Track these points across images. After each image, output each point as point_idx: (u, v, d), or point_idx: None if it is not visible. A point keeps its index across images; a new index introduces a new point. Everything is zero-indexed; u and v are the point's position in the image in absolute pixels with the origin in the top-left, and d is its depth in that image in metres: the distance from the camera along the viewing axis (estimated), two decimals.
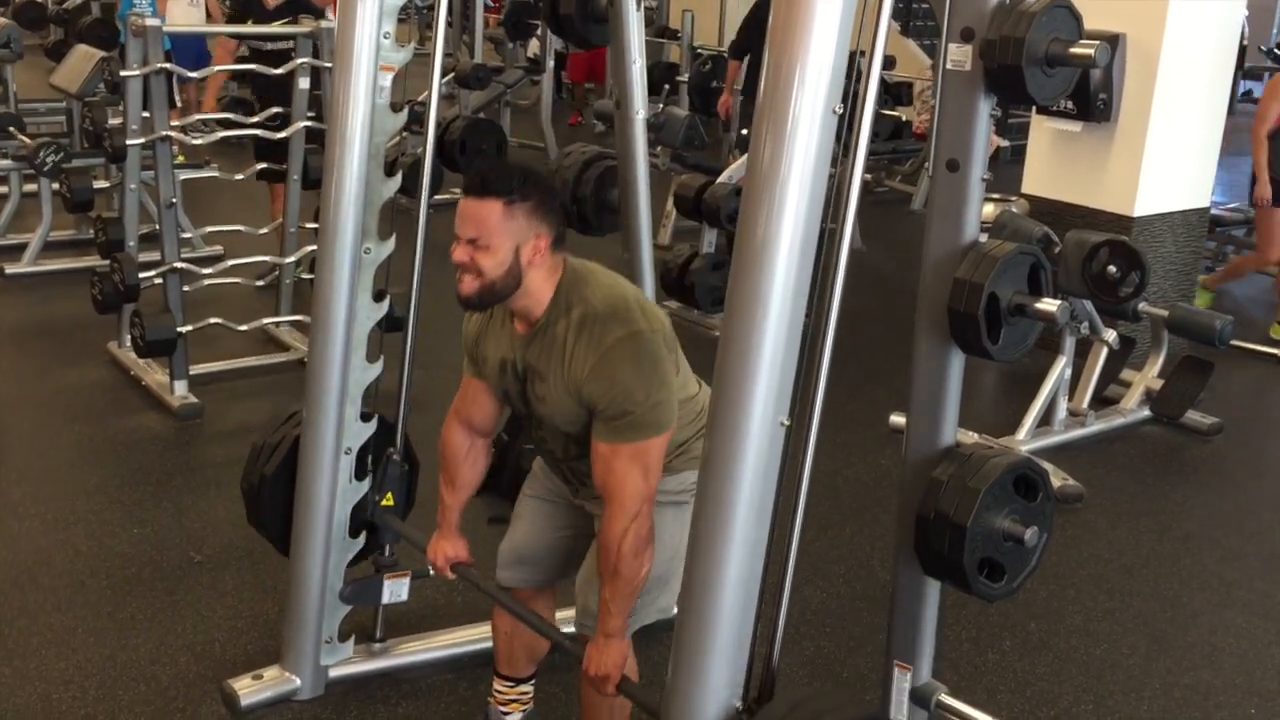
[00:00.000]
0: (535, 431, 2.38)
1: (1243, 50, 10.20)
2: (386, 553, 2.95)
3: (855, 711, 1.84)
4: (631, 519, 2.14)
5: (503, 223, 2.15)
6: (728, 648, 1.90)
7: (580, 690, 2.50)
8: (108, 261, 4.75)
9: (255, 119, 5.22)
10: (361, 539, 2.87)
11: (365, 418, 2.81)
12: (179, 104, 8.48)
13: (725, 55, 9.15)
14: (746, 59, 7.00)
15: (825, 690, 1.88)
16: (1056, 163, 5.59)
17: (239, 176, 5.14)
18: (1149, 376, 4.97)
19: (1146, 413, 4.93)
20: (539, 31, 9.92)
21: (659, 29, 11.25)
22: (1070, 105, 5.29)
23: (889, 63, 8.71)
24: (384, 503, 2.87)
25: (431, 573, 3.11)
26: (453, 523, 2.55)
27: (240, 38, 5.73)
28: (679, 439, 2.29)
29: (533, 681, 2.70)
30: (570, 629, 2.53)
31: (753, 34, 6.98)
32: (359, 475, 2.83)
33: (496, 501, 2.98)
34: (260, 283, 5.22)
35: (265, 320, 5.11)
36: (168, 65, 4.49)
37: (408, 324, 2.84)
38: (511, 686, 2.67)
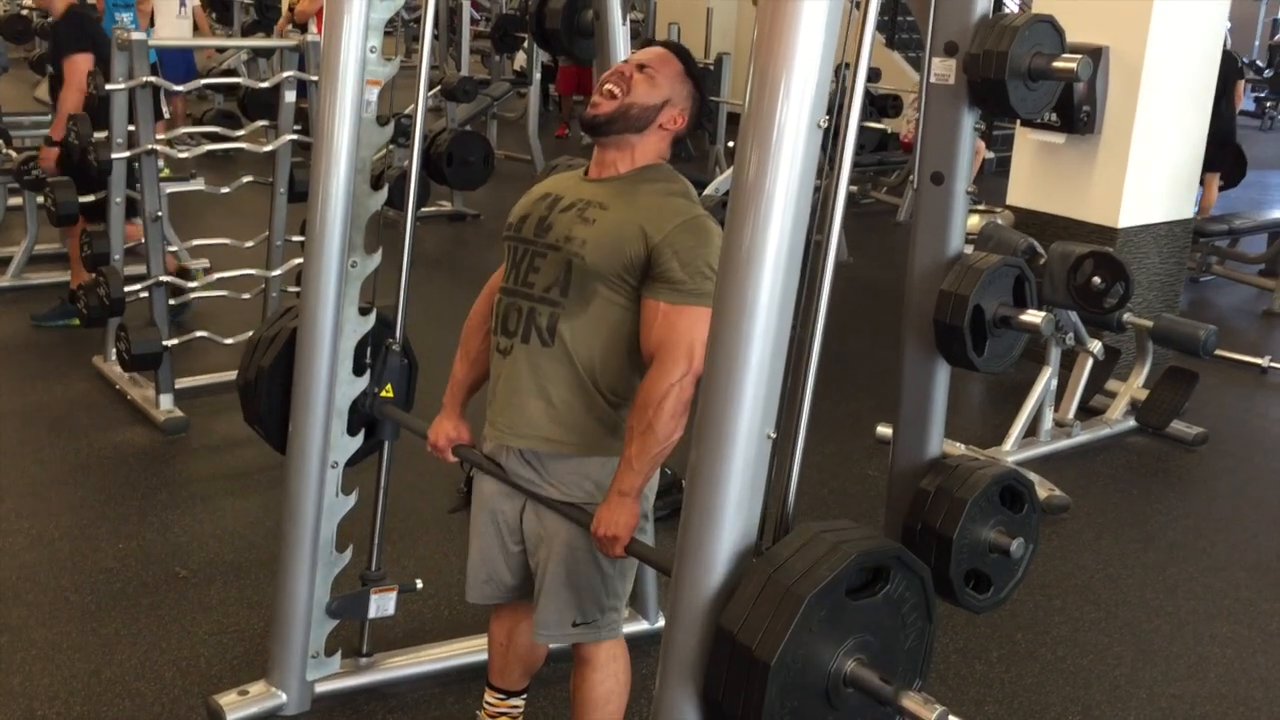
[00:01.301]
0: (523, 262, 2.27)
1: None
2: (374, 566, 2.94)
3: (874, 545, 1.82)
4: (679, 377, 2.11)
5: (674, 76, 2.28)
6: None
7: (572, 700, 2.50)
8: (93, 275, 4.73)
9: (241, 132, 5.23)
10: (348, 553, 2.86)
11: (364, 312, 2.76)
12: (166, 115, 8.46)
13: (711, 67, 9.20)
14: None
15: (844, 522, 1.85)
16: (1041, 174, 5.62)
17: (225, 190, 5.13)
18: (1134, 387, 5.00)
19: (1132, 423, 4.95)
20: (525, 44, 9.94)
21: (645, 41, 11.28)
22: (1054, 117, 5.32)
23: (875, 75, 8.76)
24: (383, 394, 2.82)
25: (418, 588, 3.12)
26: (458, 401, 2.51)
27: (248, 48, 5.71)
28: None
29: (524, 696, 2.68)
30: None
31: None
32: (357, 371, 2.79)
33: None
34: (246, 296, 5.20)
35: (252, 333, 5.09)
36: (153, 79, 4.48)
37: (396, 319, 2.82)
38: (503, 699, 2.66)
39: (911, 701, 1.76)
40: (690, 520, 1.86)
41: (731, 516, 1.83)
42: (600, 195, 2.25)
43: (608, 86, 2.25)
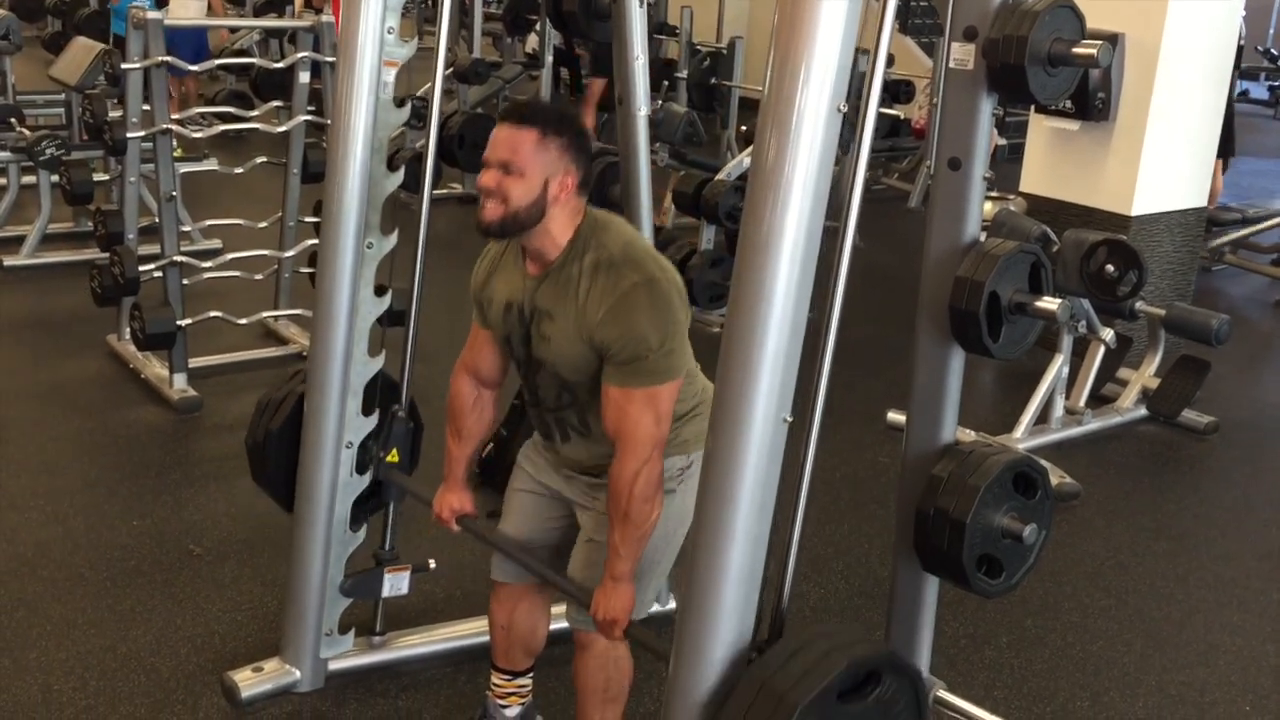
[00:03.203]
0: (530, 379, 2.36)
1: (1239, 50, 10.22)
2: (388, 545, 2.96)
3: (865, 650, 1.84)
4: (643, 462, 2.14)
5: (536, 152, 2.17)
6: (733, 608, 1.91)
7: (575, 685, 2.51)
8: (107, 254, 4.75)
9: (255, 113, 5.24)
10: (362, 532, 2.88)
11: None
12: (173, 95, 8.45)
13: (724, 51, 9.14)
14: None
15: (835, 626, 1.90)
16: (1054, 161, 5.60)
17: (238, 170, 5.14)
18: (1146, 375, 4.99)
19: (1143, 411, 4.95)
20: (537, 27, 9.91)
21: (657, 25, 11.23)
22: (1069, 104, 5.30)
23: (888, 60, 8.72)
24: (389, 458, 2.86)
25: (431, 568, 3.13)
26: (459, 475, 2.55)
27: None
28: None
29: (530, 675, 2.71)
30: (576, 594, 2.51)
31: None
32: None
33: (495, 497, 2.99)
34: (259, 276, 5.22)
35: (265, 314, 5.12)
36: (169, 59, 4.49)
37: (409, 317, 2.84)
38: (509, 680, 2.68)
39: None
40: (691, 594, 1.88)
41: (730, 600, 1.87)
42: (545, 300, 2.26)
43: (484, 199, 2.20)
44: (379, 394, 2.84)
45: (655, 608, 3.17)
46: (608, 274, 2.18)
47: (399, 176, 2.77)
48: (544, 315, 2.25)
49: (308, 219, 5.11)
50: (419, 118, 5.97)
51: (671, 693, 1.92)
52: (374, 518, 2.95)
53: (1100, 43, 1.95)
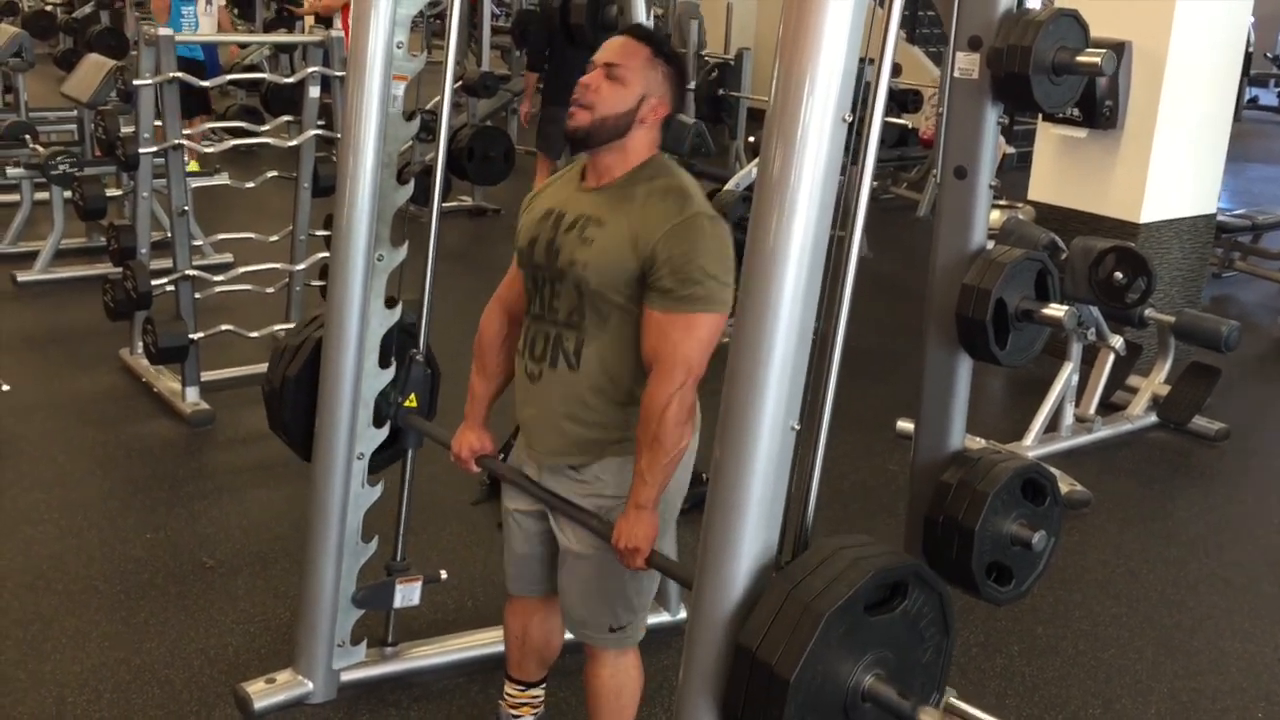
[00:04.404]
0: (548, 287, 2.30)
1: (1248, 57, 10.21)
2: (399, 556, 2.97)
3: (891, 560, 1.84)
4: (678, 387, 2.12)
5: (644, 66, 2.23)
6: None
7: (586, 695, 2.52)
8: (120, 269, 4.78)
9: (265, 128, 5.27)
10: (374, 543, 2.89)
11: (389, 304, 2.79)
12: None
13: (731, 63, 9.16)
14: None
15: (861, 538, 1.87)
16: (1062, 169, 5.61)
17: (249, 184, 5.17)
18: (1156, 382, 4.99)
19: (1153, 418, 4.94)
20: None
21: (665, 36, 11.27)
22: (1076, 112, 5.31)
23: (895, 70, 8.74)
24: (407, 403, 2.85)
25: (443, 579, 3.15)
26: (480, 415, 2.54)
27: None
28: None
29: (543, 686, 2.72)
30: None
31: (552, 41, 6.75)
32: (383, 364, 2.81)
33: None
34: (270, 290, 5.25)
35: (276, 327, 5.14)
36: (180, 75, 4.52)
37: (420, 329, 2.86)
38: (522, 690, 2.69)
39: (929, 716, 1.77)
40: (713, 520, 1.87)
41: (753, 521, 1.85)
42: (597, 208, 2.24)
43: (579, 100, 2.23)
44: (397, 339, 2.82)
45: (665, 617, 3.19)
46: (676, 198, 2.19)
47: (409, 189, 2.79)
48: (591, 221, 2.23)
49: (318, 232, 5.15)
50: (428, 131, 6.00)
51: (696, 609, 1.89)
52: (386, 529, 2.96)
53: (1104, 51, 1.97)
